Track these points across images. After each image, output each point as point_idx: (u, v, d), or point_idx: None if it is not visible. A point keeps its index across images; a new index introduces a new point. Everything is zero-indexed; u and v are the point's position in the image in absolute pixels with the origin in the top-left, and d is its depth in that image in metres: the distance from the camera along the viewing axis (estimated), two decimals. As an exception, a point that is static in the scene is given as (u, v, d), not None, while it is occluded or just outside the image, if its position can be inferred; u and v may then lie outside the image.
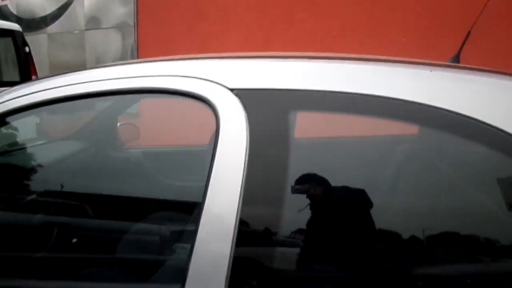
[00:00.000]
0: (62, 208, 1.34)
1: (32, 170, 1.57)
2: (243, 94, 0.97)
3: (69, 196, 1.37)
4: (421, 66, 1.07)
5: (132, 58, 5.18)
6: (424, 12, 3.16)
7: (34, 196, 1.46)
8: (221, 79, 0.98)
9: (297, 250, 1.01)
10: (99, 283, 1.03)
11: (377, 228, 1.04)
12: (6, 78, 4.48)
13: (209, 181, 0.92)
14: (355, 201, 1.07)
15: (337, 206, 1.05)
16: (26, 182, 1.53)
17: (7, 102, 1.11)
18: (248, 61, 1.12)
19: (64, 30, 5.92)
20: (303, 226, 1.00)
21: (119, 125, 2.10)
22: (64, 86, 1.07)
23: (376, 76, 0.99)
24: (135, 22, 4.97)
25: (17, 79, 4.57)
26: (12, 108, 1.09)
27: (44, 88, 1.09)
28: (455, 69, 1.14)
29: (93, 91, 1.04)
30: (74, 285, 1.00)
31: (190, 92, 0.99)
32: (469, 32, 1.51)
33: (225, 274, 0.90)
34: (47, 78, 1.19)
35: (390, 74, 1.01)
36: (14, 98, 1.10)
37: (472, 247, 0.99)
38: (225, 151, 0.94)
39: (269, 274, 0.95)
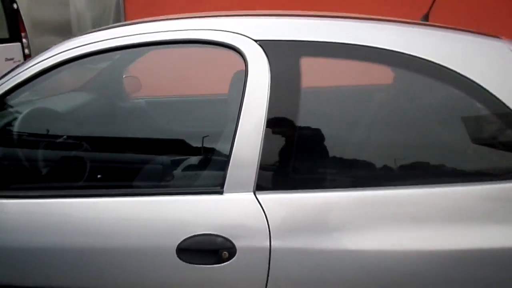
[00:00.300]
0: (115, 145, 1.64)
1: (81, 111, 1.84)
2: (264, 44, 1.27)
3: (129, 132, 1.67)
4: (399, 23, 1.39)
5: (119, 14, 5.26)
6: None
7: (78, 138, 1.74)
8: (247, 32, 1.28)
9: (303, 161, 1.34)
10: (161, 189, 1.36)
11: (361, 154, 1.41)
12: (-5, 35, 4.52)
13: (241, 107, 1.23)
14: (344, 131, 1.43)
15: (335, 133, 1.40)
16: (70, 124, 1.81)
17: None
18: (267, 18, 1.42)
19: (46, -14, 5.89)
20: (311, 145, 1.35)
21: (124, 77, 2.35)
22: (119, 37, 1.34)
23: (366, 31, 1.31)
24: (121, -22, 5.04)
25: (6, 36, 4.64)
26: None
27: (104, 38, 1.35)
28: (423, 27, 1.46)
29: (144, 41, 1.32)
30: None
31: (224, 43, 1.28)
32: (434, -2, 1.82)
33: (253, 179, 1.24)
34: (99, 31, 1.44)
35: (376, 29, 1.33)
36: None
37: (436, 170, 1.35)
38: (252, 87, 1.25)
39: (283, 177, 1.29)
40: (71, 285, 1.34)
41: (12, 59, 4.63)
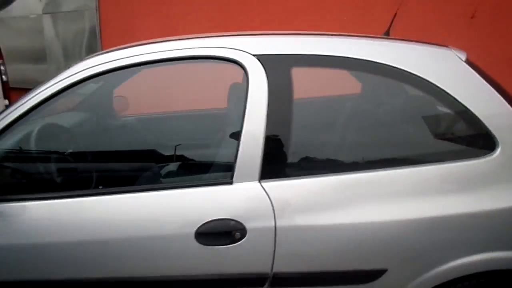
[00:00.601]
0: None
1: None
2: (261, 58, 1.53)
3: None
4: (368, 38, 1.69)
5: (95, 38, 5.43)
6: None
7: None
8: (247, 48, 1.54)
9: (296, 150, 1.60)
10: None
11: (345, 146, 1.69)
12: (-27, 62, 4.59)
13: (245, 110, 1.49)
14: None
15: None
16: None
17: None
18: (262, 37, 1.68)
19: (18, 15, 5.97)
20: (303, 139, 1.61)
21: (115, 97, 2.56)
22: (143, 54, 1.58)
23: (343, 45, 1.60)
24: (97, 5, 5.22)
25: (-15, 63, 4.71)
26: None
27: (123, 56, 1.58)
28: (386, 40, 1.77)
29: (164, 58, 1.56)
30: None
31: (227, 57, 1.54)
32: (395, 14, 2.15)
33: (258, 169, 1.48)
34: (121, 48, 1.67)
35: (351, 43, 1.63)
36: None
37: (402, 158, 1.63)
38: (254, 92, 1.51)
39: (283, 167, 1.54)
40: (104, 275, 1.52)
41: (-9, 85, 4.70)
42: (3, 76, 4.88)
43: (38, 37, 5.92)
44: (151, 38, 5.01)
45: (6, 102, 4.99)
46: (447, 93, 1.54)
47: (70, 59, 5.79)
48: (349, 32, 1.85)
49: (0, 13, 5.98)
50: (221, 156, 1.71)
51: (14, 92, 5.08)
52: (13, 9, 6.08)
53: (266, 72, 1.52)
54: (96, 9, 5.26)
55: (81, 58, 4.64)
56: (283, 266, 1.50)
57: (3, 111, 1.66)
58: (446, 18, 3.36)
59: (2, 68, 4.86)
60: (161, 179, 1.66)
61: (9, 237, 1.53)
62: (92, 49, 5.55)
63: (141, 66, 1.61)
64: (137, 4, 4.95)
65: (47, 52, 5.91)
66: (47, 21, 5.81)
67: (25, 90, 6.01)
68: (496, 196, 1.51)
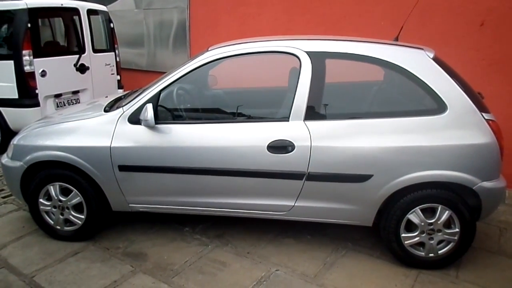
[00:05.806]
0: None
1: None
2: (309, 53, 2.76)
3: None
4: (371, 42, 2.85)
5: (184, 32, 6.81)
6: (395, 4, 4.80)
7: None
8: (301, 47, 2.77)
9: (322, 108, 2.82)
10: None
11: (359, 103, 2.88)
12: (97, 46, 6.10)
13: (298, 82, 2.72)
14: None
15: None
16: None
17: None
18: (309, 40, 2.89)
19: (125, 9, 7.52)
20: (330, 97, 2.82)
21: (209, 75, 3.86)
22: (241, 49, 2.86)
23: (360, 46, 2.78)
24: (188, 4, 6.60)
25: (105, 47, 6.25)
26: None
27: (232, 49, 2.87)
28: (394, 44, 2.91)
29: (253, 51, 2.84)
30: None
31: (290, 52, 2.77)
32: (401, 27, 3.26)
33: (303, 114, 2.72)
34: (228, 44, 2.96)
35: (365, 46, 2.79)
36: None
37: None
38: (303, 74, 2.74)
39: (317, 113, 2.76)
40: (212, 165, 2.84)
41: (109, 64, 6.24)
42: (117, 58, 6.41)
43: (138, 28, 7.43)
44: (230, 32, 6.76)
45: (118, 77, 6.53)
46: (417, 77, 2.67)
47: (161, 46, 7.26)
48: (382, 36, 3.03)
49: (110, 6, 7.55)
50: (284, 107, 2.94)
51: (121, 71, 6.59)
52: (119, 4, 7.67)
53: (311, 61, 2.75)
54: (187, 7, 6.64)
55: (175, 46, 6.29)
56: (314, 168, 2.73)
57: (160, 80, 2.99)
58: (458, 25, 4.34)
59: (117, 51, 6.40)
60: (250, 117, 2.94)
61: (162, 142, 2.88)
62: (179, 39, 6.95)
63: (239, 56, 2.88)
64: (220, 4, 6.23)
65: (144, 40, 7.41)
66: (146, 15, 7.29)
67: (127, 70, 7.81)
68: (440, 138, 2.63)
